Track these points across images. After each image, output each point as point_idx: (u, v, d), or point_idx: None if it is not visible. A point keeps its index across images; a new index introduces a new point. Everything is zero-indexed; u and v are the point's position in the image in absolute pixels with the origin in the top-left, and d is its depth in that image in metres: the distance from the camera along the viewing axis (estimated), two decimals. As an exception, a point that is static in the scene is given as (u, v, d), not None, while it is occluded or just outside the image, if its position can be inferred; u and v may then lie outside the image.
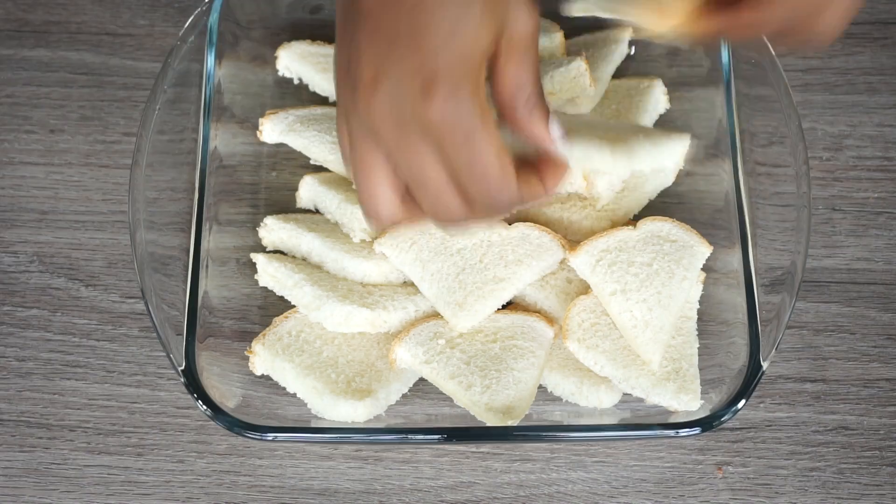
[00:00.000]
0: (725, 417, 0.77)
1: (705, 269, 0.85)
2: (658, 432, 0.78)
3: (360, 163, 0.66)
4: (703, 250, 0.84)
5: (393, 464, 0.84)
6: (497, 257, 0.84)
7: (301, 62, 0.93)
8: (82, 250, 0.92)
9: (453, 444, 0.84)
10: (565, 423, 0.82)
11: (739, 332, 0.80)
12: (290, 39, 0.94)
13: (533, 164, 0.68)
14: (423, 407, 0.84)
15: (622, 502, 0.83)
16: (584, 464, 0.84)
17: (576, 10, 0.75)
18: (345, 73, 0.65)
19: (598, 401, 0.82)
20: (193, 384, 0.78)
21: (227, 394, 0.80)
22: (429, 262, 0.83)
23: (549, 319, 0.84)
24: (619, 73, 0.94)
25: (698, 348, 0.82)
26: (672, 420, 0.79)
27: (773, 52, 0.86)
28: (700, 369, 0.81)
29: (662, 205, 0.89)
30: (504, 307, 0.84)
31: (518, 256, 0.84)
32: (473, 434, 0.80)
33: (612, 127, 0.81)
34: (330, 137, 0.88)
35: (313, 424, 0.80)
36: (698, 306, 0.85)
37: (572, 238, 0.86)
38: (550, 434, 0.78)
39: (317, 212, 0.90)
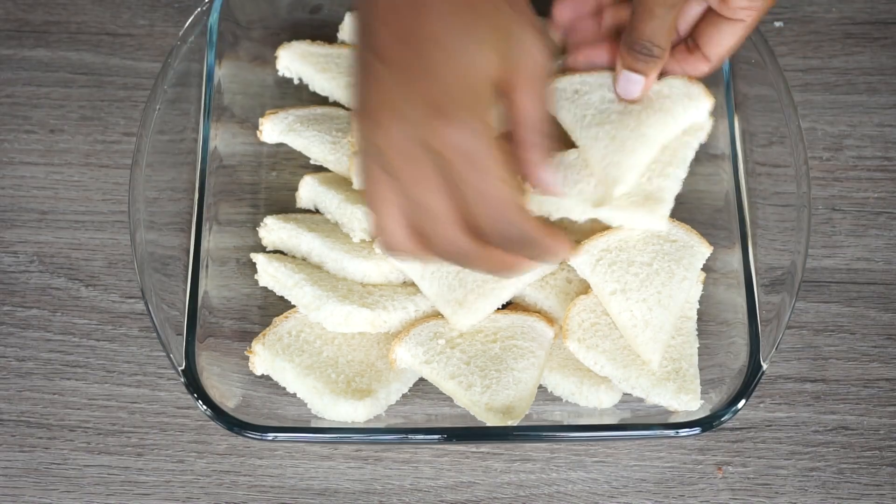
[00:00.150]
0: (725, 417, 0.77)
1: (705, 269, 0.85)
2: (658, 432, 0.78)
3: (374, 195, 0.68)
4: (703, 250, 0.84)
5: (393, 464, 0.84)
6: (497, 257, 0.84)
7: (301, 62, 0.93)
8: (82, 250, 0.92)
9: (453, 444, 0.84)
10: (565, 423, 0.82)
11: (739, 332, 0.80)
12: (290, 39, 0.94)
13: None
14: (423, 407, 0.84)
15: (622, 502, 0.83)
16: (584, 464, 0.84)
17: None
18: (361, 109, 0.67)
19: (598, 401, 0.82)
20: (193, 384, 0.78)
21: (227, 394, 0.80)
22: (429, 260, 0.83)
23: (549, 319, 0.84)
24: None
25: (698, 348, 0.82)
26: (672, 420, 0.79)
27: (774, 52, 0.86)
28: (700, 369, 0.81)
29: (662, 205, 0.89)
30: (504, 307, 0.84)
31: (518, 256, 0.84)
32: (473, 434, 0.80)
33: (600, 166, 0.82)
34: (330, 137, 0.88)
35: (313, 424, 0.80)
36: (698, 306, 0.84)
37: (572, 238, 0.86)
38: (550, 434, 0.78)
39: (317, 212, 0.90)
